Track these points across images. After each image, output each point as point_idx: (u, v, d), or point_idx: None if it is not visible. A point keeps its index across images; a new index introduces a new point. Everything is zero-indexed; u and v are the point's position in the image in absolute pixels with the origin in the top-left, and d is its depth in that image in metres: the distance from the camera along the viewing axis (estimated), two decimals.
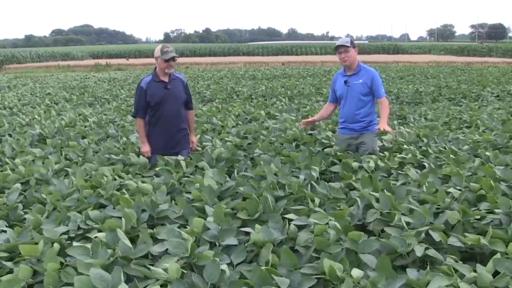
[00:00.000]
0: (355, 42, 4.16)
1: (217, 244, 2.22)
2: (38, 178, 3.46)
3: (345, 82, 4.12)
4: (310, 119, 4.64)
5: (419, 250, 2.05)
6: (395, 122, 6.10)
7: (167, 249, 2.09)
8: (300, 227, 2.36)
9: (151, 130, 4.20)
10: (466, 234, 2.23)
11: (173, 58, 4.02)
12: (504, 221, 2.40)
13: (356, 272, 1.86)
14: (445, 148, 4.12)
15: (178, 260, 2.01)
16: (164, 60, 4.01)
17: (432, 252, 2.09)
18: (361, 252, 2.08)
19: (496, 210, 2.46)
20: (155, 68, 4.17)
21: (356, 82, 4.05)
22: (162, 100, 4.09)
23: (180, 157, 3.83)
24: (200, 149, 4.47)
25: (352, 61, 4.06)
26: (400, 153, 3.90)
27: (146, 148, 4.14)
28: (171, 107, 4.13)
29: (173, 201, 2.80)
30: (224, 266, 1.92)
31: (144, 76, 4.24)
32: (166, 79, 4.13)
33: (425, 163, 3.60)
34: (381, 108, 4.09)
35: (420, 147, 4.23)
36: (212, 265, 1.89)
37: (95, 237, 2.20)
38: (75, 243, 2.21)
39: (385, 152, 3.91)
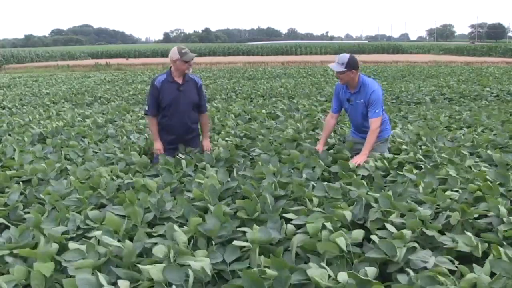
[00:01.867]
0: (354, 57, 3.86)
1: (213, 243, 2.22)
2: (39, 178, 3.47)
3: (348, 100, 4.04)
4: (321, 143, 4.13)
5: (401, 257, 2.03)
6: (396, 121, 6.09)
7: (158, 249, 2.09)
8: (298, 227, 2.36)
9: (161, 129, 4.23)
10: (464, 234, 2.23)
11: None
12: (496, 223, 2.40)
13: (342, 277, 1.84)
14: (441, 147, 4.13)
15: (162, 261, 2.01)
16: (184, 62, 4.03)
17: (418, 255, 2.06)
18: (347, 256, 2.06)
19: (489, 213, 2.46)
20: (170, 67, 4.18)
21: (358, 102, 3.95)
22: (173, 101, 4.12)
23: (180, 156, 3.84)
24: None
25: (346, 81, 3.91)
26: (399, 154, 3.91)
27: (158, 145, 4.19)
28: (181, 109, 4.15)
29: (175, 200, 2.81)
30: (197, 266, 1.89)
31: (159, 75, 4.27)
32: (180, 80, 4.14)
33: (422, 164, 3.61)
34: (369, 132, 3.85)
35: (421, 146, 4.23)
36: (172, 270, 1.87)
37: (91, 238, 2.21)
38: (74, 244, 2.22)
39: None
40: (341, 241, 2.05)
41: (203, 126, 4.38)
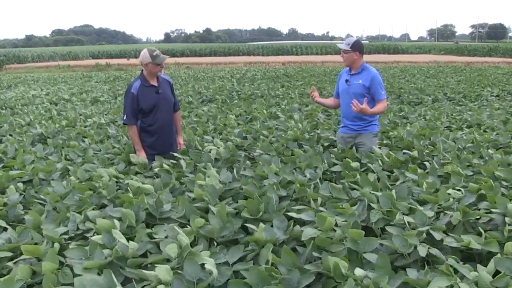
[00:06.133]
0: (361, 42, 4.08)
1: (215, 243, 2.22)
2: (40, 178, 3.47)
3: (346, 81, 4.12)
4: (318, 97, 4.42)
5: (422, 251, 2.04)
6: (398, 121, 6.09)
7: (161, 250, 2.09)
8: (303, 224, 2.36)
9: (144, 136, 4.05)
10: (464, 235, 2.23)
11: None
12: (500, 222, 2.39)
13: (358, 271, 1.85)
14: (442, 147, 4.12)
15: (170, 261, 2.01)
16: (156, 65, 3.91)
17: (434, 251, 2.08)
18: (362, 251, 2.07)
19: (493, 210, 2.46)
20: (142, 71, 4.04)
21: (356, 82, 4.03)
22: (155, 105, 3.99)
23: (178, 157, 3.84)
24: (200, 148, 4.44)
25: (349, 63, 4.05)
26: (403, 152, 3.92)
27: (142, 154, 3.98)
28: (164, 112, 4.05)
29: (176, 201, 2.80)
30: (210, 266, 1.90)
31: (133, 81, 4.07)
32: (156, 83, 4.03)
33: (427, 162, 3.61)
34: (376, 105, 4.00)
35: (426, 146, 4.23)
36: (191, 264, 1.88)
37: (90, 238, 2.20)
38: (74, 244, 2.21)
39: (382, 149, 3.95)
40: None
41: (177, 123, 4.31)
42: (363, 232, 2.15)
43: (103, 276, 1.82)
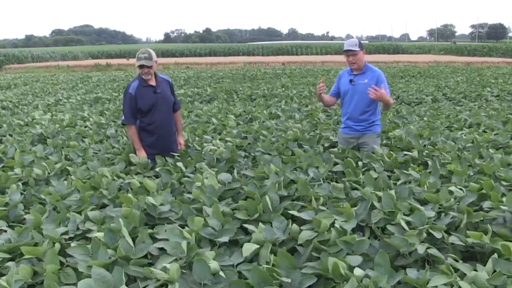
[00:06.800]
0: (362, 42, 4.08)
1: (218, 244, 2.22)
2: (37, 179, 3.46)
3: (350, 81, 4.09)
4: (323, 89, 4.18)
5: (421, 249, 2.05)
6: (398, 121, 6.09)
7: (166, 249, 2.09)
8: (302, 224, 2.36)
9: (143, 135, 4.06)
10: (469, 233, 2.23)
11: (147, 66, 3.86)
12: (508, 219, 2.40)
13: (358, 271, 1.86)
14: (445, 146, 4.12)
15: (177, 260, 2.00)
16: (138, 67, 3.89)
17: (434, 251, 2.08)
18: (354, 254, 2.07)
19: (503, 207, 2.46)
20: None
21: (361, 82, 4.01)
22: (153, 105, 3.99)
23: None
24: (200, 148, 4.45)
25: (361, 63, 4.02)
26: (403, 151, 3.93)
27: (142, 154, 3.99)
28: (162, 112, 4.05)
29: (175, 201, 2.80)
30: (217, 266, 1.91)
31: (131, 81, 4.08)
32: (154, 83, 4.02)
33: (428, 161, 3.62)
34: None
35: (425, 145, 4.23)
36: (201, 265, 1.88)
37: (95, 237, 2.20)
38: (74, 244, 2.21)
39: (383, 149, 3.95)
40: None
41: (177, 123, 4.31)
42: (355, 236, 2.15)
43: (113, 274, 1.82)
